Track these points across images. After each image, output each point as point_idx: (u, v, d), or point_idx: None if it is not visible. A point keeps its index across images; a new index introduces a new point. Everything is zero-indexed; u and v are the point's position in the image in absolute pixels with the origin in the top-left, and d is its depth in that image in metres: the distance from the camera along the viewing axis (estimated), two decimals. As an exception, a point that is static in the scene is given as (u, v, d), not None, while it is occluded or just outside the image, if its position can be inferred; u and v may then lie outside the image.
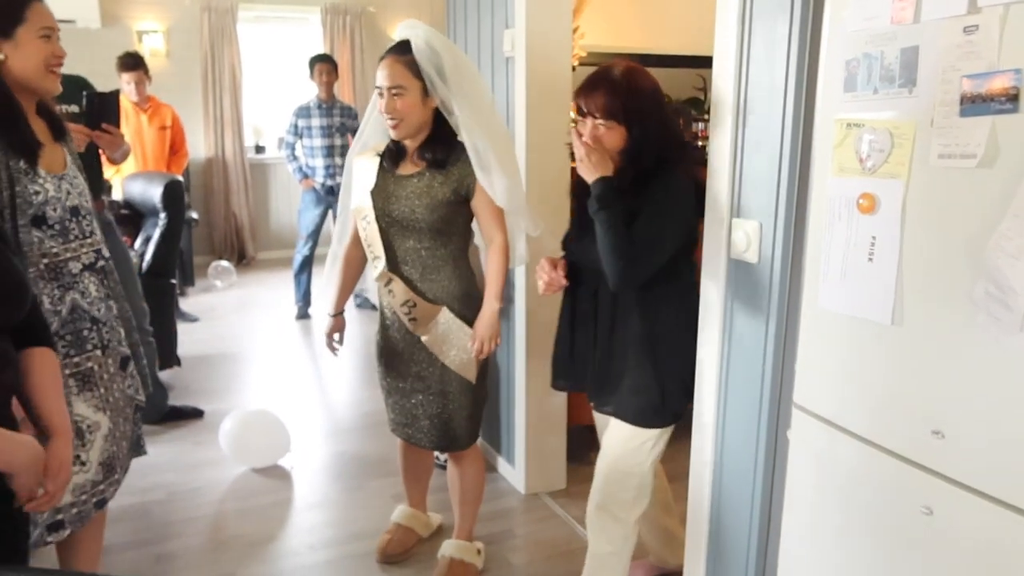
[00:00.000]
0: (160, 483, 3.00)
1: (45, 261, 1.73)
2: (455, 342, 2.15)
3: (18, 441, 1.23)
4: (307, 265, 5.22)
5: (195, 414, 3.63)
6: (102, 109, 2.67)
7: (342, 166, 5.09)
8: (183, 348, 4.18)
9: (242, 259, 7.15)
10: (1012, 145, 1.08)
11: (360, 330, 4.85)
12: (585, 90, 1.79)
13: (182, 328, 4.35)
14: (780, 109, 1.66)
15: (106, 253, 1.91)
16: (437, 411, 2.21)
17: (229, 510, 2.84)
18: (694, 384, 1.95)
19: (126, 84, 4.64)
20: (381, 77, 2.03)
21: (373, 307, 4.74)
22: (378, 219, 2.13)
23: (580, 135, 1.79)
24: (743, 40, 1.74)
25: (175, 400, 3.68)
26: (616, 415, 1.94)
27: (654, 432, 1.92)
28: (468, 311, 2.16)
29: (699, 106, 3.53)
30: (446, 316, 2.13)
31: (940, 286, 1.20)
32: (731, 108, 1.78)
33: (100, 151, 2.90)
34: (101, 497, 1.88)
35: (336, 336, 2.38)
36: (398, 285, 2.14)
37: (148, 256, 3.75)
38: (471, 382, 2.19)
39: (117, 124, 2.73)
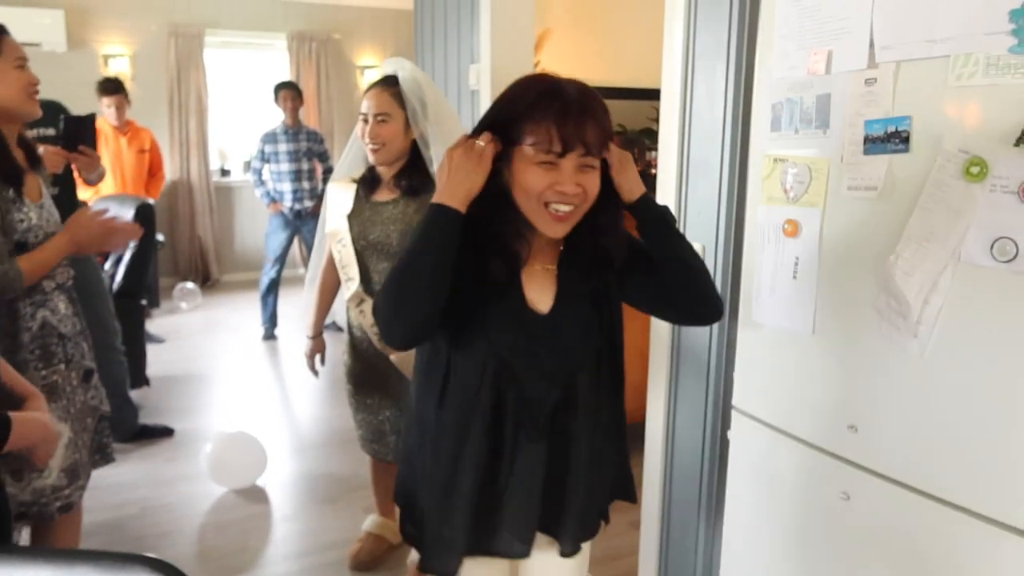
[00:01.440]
0: (133, 499, 3.06)
1: None
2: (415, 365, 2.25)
3: (31, 419, 1.37)
4: (274, 287, 5.31)
5: (165, 432, 3.68)
6: (79, 131, 2.76)
7: (309, 191, 5.25)
8: (151, 369, 4.24)
9: (207, 281, 7.18)
10: (905, 179, 1.28)
11: (326, 351, 4.95)
12: (573, 116, 1.18)
13: (149, 349, 4.40)
14: (719, 144, 1.86)
15: (72, 272, 2.04)
16: (405, 426, 2.32)
17: (203, 524, 2.92)
18: None
19: (106, 108, 4.74)
20: (367, 105, 2.17)
21: (339, 328, 4.83)
22: (354, 242, 2.26)
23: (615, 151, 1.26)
24: (687, 80, 1.94)
25: (145, 419, 3.73)
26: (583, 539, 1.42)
27: None
28: None
29: (653, 136, 3.74)
30: None
31: (851, 299, 1.39)
32: (676, 141, 1.97)
33: (75, 172, 3.00)
34: (67, 501, 1.96)
35: (317, 357, 2.49)
36: (369, 305, 2.27)
37: (119, 277, 3.82)
38: None
39: (94, 146, 2.82)
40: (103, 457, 2.15)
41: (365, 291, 2.28)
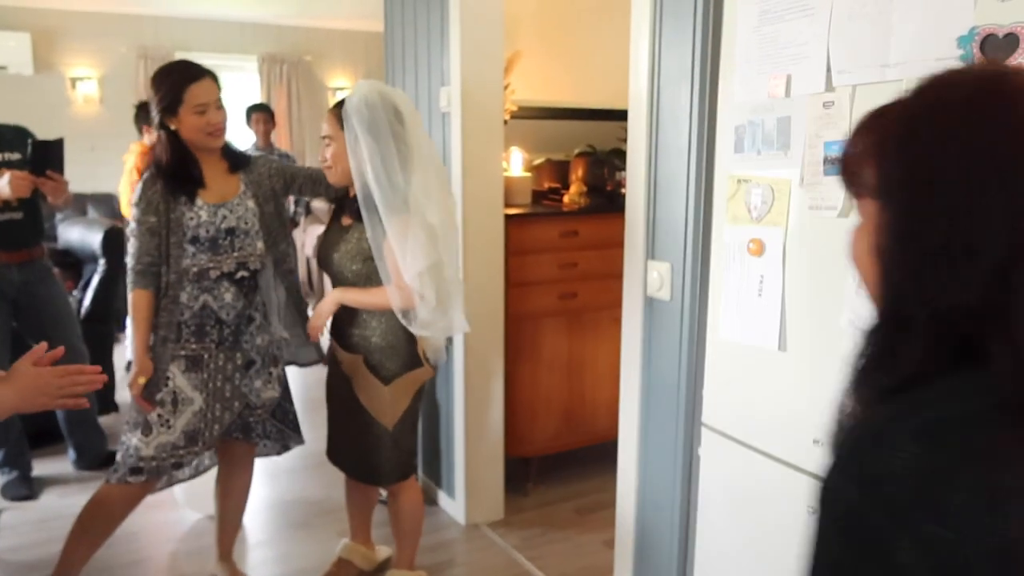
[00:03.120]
0: (101, 528, 3.00)
1: (195, 269, 2.18)
2: (370, 392, 2.23)
3: (16, 379, 1.41)
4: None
5: (134, 459, 3.63)
6: (47, 156, 2.73)
7: (280, 212, 5.23)
8: (120, 394, 4.17)
9: (176, 304, 7.10)
10: (863, 199, 1.31)
11: (297, 373, 4.91)
12: None
13: (119, 373, 4.33)
14: (685, 165, 1.89)
15: (253, 265, 2.26)
16: (357, 443, 2.31)
17: (171, 552, 2.87)
18: None
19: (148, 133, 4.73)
20: (322, 128, 2.23)
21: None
22: (319, 266, 2.31)
23: None
24: (653, 103, 1.98)
25: (114, 445, 3.66)
26: None
27: None
28: (390, 363, 2.21)
29: (622, 156, 3.78)
30: (361, 368, 2.22)
31: (816, 316, 1.42)
32: (644, 162, 2.01)
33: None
34: (179, 460, 2.23)
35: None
36: (327, 331, 2.30)
37: (87, 302, 3.77)
38: (386, 428, 2.26)
39: (61, 171, 2.80)
40: (246, 437, 2.43)
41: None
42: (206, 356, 2.23)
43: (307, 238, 7.01)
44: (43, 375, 1.45)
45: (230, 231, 2.21)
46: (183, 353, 2.20)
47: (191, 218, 2.17)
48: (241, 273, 2.24)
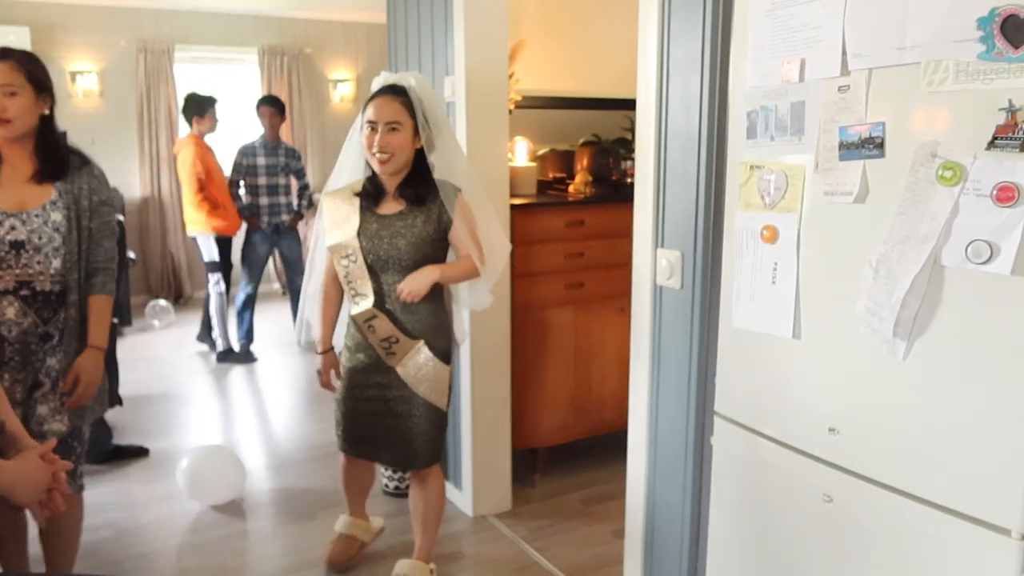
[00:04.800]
0: (108, 521, 3.00)
1: None
2: (429, 376, 2.25)
3: (18, 468, 1.38)
4: (250, 303, 5.25)
5: (140, 452, 3.62)
6: None
7: (286, 205, 5.23)
8: (124, 388, 4.16)
9: (179, 298, 7.09)
10: (879, 184, 1.30)
11: (303, 366, 4.92)
12: None
13: (122, 367, 4.32)
14: (695, 152, 1.87)
15: (42, 286, 2.01)
16: (400, 432, 2.31)
17: (180, 544, 2.87)
18: None
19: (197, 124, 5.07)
20: (376, 113, 2.14)
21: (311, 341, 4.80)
22: (365, 257, 2.22)
23: None
24: (662, 90, 1.96)
25: (119, 439, 3.67)
26: None
27: None
28: (443, 342, 2.31)
29: (628, 145, 3.76)
30: (424, 353, 2.24)
31: (830, 303, 1.41)
32: (653, 151, 1.99)
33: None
34: None
35: (332, 372, 2.45)
36: (382, 322, 2.23)
37: (90, 296, 3.74)
38: (441, 409, 2.31)
39: None
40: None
41: (375, 306, 2.25)
42: None
43: (309, 231, 7.00)
44: (42, 477, 1.44)
45: (17, 244, 1.98)
46: None
47: None
48: (23, 292, 2.00)
